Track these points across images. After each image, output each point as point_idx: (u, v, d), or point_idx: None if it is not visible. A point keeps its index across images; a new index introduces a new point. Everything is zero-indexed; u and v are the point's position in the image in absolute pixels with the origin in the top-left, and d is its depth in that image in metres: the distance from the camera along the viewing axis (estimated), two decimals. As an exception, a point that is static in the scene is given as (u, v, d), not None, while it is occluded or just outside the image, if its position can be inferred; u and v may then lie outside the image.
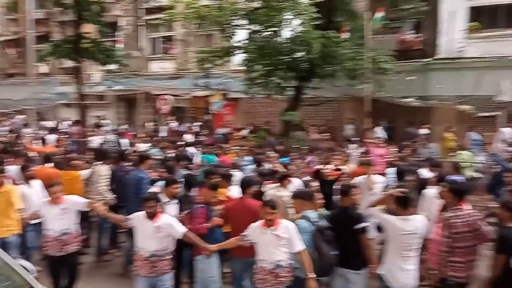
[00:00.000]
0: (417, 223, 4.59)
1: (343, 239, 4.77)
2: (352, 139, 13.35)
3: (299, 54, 12.95)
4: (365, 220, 4.94)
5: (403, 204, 4.57)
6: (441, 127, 14.91)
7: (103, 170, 7.60)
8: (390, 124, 15.57)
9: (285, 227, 4.66)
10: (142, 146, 11.63)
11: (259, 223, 4.71)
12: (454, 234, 4.61)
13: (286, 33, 13.43)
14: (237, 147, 10.83)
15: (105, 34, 16.78)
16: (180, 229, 5.01)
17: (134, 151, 10.02)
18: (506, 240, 4.60)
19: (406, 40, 15.97)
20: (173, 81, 20.15)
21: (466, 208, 4.80)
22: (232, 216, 5.35)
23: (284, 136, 14.10)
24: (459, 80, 13.91)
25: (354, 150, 11.35)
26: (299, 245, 4.66)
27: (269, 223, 4.62)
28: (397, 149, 10.53)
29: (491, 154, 11.10)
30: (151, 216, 4.99)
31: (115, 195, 7.50)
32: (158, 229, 4.95)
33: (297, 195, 5.26)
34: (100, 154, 8.20)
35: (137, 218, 5.10)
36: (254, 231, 4.72)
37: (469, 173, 10.35)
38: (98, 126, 17.37)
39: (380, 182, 7.01)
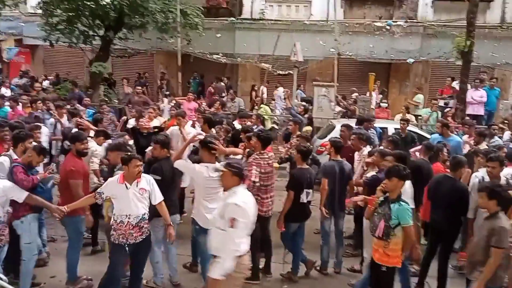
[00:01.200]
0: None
1: (168, 188, 4.99)
2: (165, 92, 13.43)
3: (105, 1, 12.18)
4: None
5: (207, 150, 4.91)
6: (247, 83, 16.19)
7: None
8: (200, 79, 16.15)
9: (147, 180, 4.58)
10: None
11: (118, 178, 4.46)
12: (262, 174, 5.24)
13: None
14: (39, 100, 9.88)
15: None
16: (21, 192, 4.48)
17: None
18: (295, 179, 5.47)
19: (215, -2, 16.47)
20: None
21: (269, 153, 5.49)
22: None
23: (91, 88, 13.34)
24: (260, 40, 15.13)
25: (166, 104, 11.52)
26: (159, 197, 4.65)
27: (138, 176, 4.45)
28: (206, 103, 11.08)
29: (287, 108, 12.55)
30: None
31: None
32: None
33: (113, 148, 5.19)
34: None
35: None
36: (114, 187, 4.47)
37: (269, 124, 11.66)
38: None
39: (191, 133, 7.36)
